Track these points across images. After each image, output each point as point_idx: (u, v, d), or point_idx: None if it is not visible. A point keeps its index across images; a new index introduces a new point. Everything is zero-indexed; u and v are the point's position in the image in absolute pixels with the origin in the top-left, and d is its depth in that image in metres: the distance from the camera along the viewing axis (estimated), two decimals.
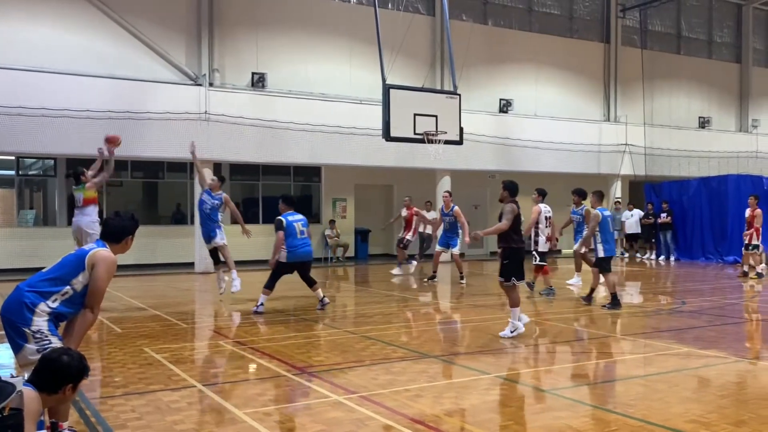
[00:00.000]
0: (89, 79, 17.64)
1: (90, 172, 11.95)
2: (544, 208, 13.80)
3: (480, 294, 14.25)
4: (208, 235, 12.86)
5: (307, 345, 8.75)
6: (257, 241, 15.55)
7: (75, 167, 12.92)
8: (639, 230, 24.16)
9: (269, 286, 11.51)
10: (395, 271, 18.14)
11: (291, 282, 16.27)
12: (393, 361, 7.78)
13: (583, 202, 13.99)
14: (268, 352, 8.20)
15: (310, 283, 11.78)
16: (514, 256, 9.21)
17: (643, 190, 25.70)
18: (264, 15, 20.62)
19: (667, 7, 28.25)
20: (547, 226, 13.77)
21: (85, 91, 17.47)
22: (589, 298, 12.36)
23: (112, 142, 12.08)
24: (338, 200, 23.71)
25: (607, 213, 12.28)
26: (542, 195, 13.96)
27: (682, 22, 29.29)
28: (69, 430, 4.94)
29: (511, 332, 8.99)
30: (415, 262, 18.72)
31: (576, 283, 15.32)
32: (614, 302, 11.67)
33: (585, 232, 12.97)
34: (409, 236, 18.59)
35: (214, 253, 13.06)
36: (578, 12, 26.57)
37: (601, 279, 12.31)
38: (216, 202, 12.85)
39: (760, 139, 29.86)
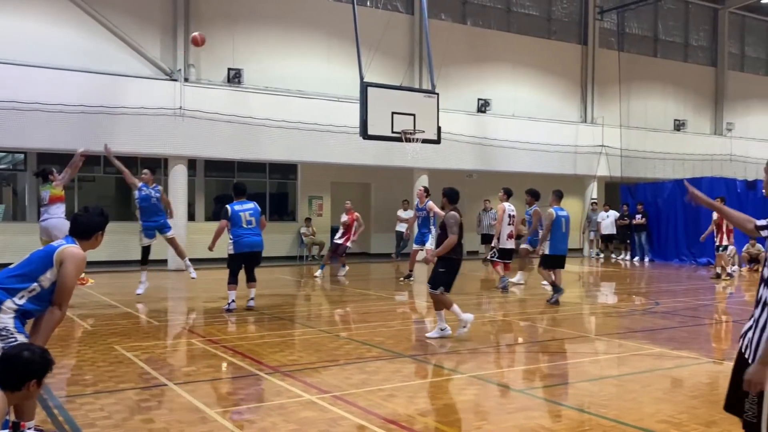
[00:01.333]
0: (62, 73, 17.38)
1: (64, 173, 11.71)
2: (509, 207, 14.26)
3: (455, 293, 14.21)
4: (162, 228, 12.74)
5: (280, 344, 8.68)
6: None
7: (44, 166, 12.72)
8: (614, 231, 24.39)
9: (231, 281, 11.28)
10: (317, 273, 17.17)
11: (265, 281, 16.17)
12: (367, 360, 7.74)
13: (536, 202, 14.34)
14: (241, 350, 8.12)
15: (250, 278, 11.41)
16: (450, 267, 8.91)
17: (619, 192, 25.91)
18: (241, 10, 20.47)
19: (644, 10, 28.48)
20: (510, 224, 14.26)
21: (57, 84, 17.21)
22: (557, 294, 12.52)
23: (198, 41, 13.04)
24: (314, 198, 23.62)
25: (563, 213, 12.60)
26: (508, 194, 14.51)
27: (659, 25, 29.55)
28: (36, 429, 4.83)
29: (440, 330, 8.93)
30: (347, 268, 17.62)
31: (519, 281, 15.30)
32: (556, 290, 12.32)
33: (542, 232, 13.29)
34: (349, 243, 17.19)
35: (148, 250, 12.79)
36: (556, 13, 26.70)
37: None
38: (157, 194, 12.74)
39: (734, 142, 30.22)
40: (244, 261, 11.30)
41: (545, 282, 15.24)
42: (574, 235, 27.80)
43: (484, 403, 6.24)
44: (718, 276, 17.38)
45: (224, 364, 7.56)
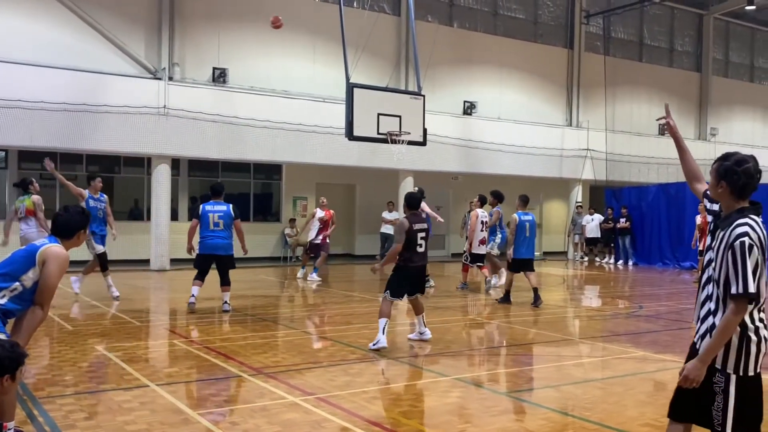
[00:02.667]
0: (44, 70, 17.19)
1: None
2: (482, 214, 14.70)
3: (440, 296, 14.24)
4: (103, 238, 12.29)
5: (263, 345, 8.62)
6: None
7: (25, 177, 12.55)
8: (599, 234, 24.49)
9: (196, 277, 11.22)
10: (311, 276, 16.45)
11: (249, 281, 16.09)
12: (351, 362, 7.71)
13: (499, 204, 14.66)
14: (224, 351, 8.06)
15: (222, 281, 11.17)
16: (399, 272, 8.54)
17: (603, 195, 26.03)
18: (226, 9, 20.36)
19: (630, 15, 28.65)
20: (482, 230, 14.64)
21: (39, 81, 17.03)
22: (505, 301, 12.80)
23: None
24: (299, 199, 23.54)
25: (526, 218, 12.80)
26: (482, 202, 14.94)
27: (645, 30, 29.73)
28: (15, 430, 4.76)
29: (373, 345, 8.23)
30: (317, 277, 16.59)
31: (494, 284, 15.33)
32: (505, 298, 12.76)
33: (507, 236, 13.71)
34: (328, 240, 16.55)
35: (105, 256, 12.35)
36: (543, 17, 26.79)
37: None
38: (104, 205, 12.31)
39: (718, 147, 30.40)
40: (209, 263, 11.18)
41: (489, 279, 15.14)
42: (558, 238, 28.12)
43: (468, 405, 6.22)
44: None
45: (207, 365, 7.49)
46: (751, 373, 3.46)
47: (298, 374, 7.06)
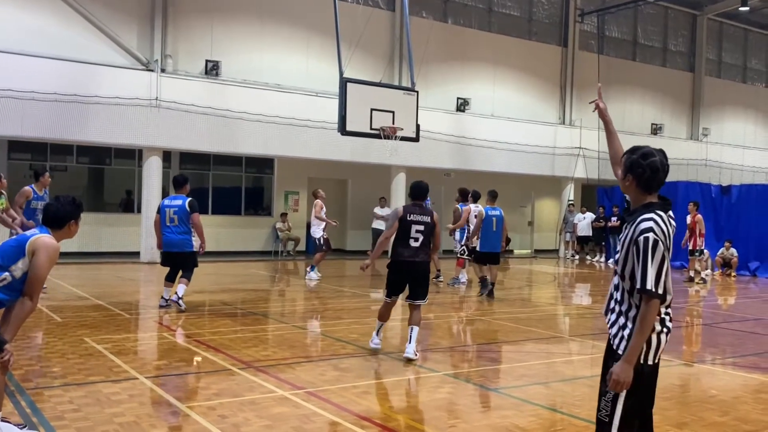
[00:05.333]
0: (35, 60, 17.05)
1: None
2: (474, 208, 14.68)
3: (431, 292, 14.19)
4: None
5: (254, 339, 8.60)
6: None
7: None
8: (590, 233, 24.56)
9: (167, 277, 10.80)
10: (310, 274, 15.62)
11: (240, 275, 16.07)
12: (341, 357, 7.70)
13: (467, 201, 14.86)
14: (214, 345, 8.04)
15: (182, 274, 10.62)
16: (391, 268, 7.87)
17: (595, 194, 26.08)
18: (220, 2, 20.26)
19: (624, 14, 28.67)
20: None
21: (30, 71, 16.89)
22: (484, 289, 13.17)
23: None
24: (291, 193, 23.49)
25: (493, 213, 13.20)
26: (475, 197, 14.88)
27: (639, 29, 29.77)
28: (2, 421, 4.74)
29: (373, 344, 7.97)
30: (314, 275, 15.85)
31: (461, 280, 15.31)
32: (483, 284, 13.16)
33: (472, 229, 14.00)
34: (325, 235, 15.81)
35: None
36: (537, 15, 26.79)
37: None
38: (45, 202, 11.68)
39: (710, 147, 30.57)
40: (170, 261, 10.70)
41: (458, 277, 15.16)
42: (549, 236, 28.19)
43: (458, 401, 6.22)
44: (691, 279, 17.55)
45: (197, 359, 7.47)
46: (650, 362, 3.44)
47: (288, 368, 7.04)
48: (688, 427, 5.47)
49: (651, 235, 3.31)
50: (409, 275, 7.77)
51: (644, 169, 3.45)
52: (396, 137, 16.04)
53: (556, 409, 5.95)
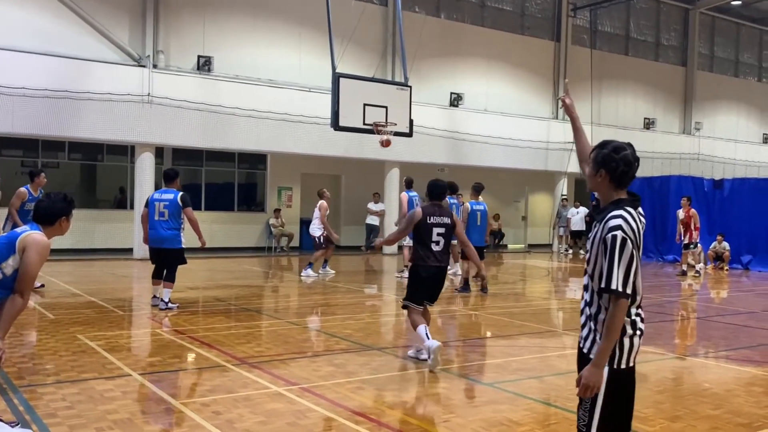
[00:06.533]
0: (26, 56, 16.98)
1: None
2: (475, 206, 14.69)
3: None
4: None
5: (247, 335, 8.59)
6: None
7: None
8: (583, 227, 24.61)
9: (154, 274, 10.61)
10: (306, 271, 15.44)
11: (233, 271, 16.04)
12: (335, 352, 7.69)
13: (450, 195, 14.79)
14: (208, 341, 8.02)
15: (165, 276, 10.30)
16: (412, 273, 7.47)
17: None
18: None
19: (616, 8, 28.72)
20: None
21: (21, 67, 16.82)
22: (464, 290, 13.08)
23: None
24: (284, 189, 23.45)
25: (478, 207, 13.31)
26: (453, 190, 14.64)
27: (631, 23, 29.82)
28: None
29: (417, 351, 7.44)
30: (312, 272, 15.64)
31: (454, 272, 15.32)
32: (465, 286, 13.05)
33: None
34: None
35: None
36: (530, 9, 26.78)
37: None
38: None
39: (702, 141, 30.65)
40: (157, 257, 10.39)
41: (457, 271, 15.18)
42: (543, 231, 28.23)
43: (452, 396, 6.22)
44: (684, 273, 17.61)
45: (191, 355, 7.45)
46: (623, 366, 3.33)
47: (282, 364, 7.03)
48: (682, 420, 5.48)
49: (619, 233, 3.20)
50: (431, 283, 7.42)
51: (617, 163, 3.33)
52: (389, 132, 16.01)
53: (550, 403, 5.96)
